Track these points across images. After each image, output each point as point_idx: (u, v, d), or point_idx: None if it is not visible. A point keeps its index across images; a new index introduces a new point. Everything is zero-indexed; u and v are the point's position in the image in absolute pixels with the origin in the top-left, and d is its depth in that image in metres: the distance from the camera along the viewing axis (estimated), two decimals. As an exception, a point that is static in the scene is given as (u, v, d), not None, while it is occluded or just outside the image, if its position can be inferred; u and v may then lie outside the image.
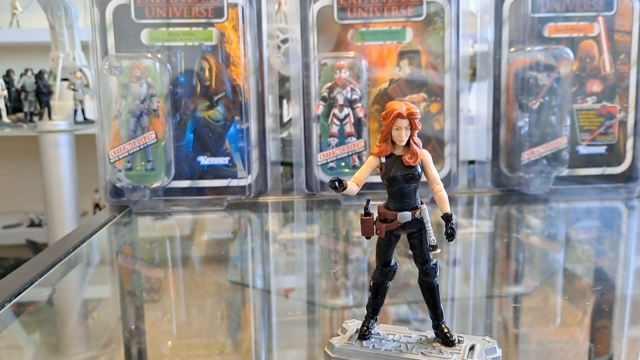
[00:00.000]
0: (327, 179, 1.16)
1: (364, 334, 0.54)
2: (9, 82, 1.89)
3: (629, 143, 1.24)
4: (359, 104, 1.17)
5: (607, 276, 0.83)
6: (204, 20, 1.16)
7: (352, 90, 1.17)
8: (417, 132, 0.52)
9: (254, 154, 1.21)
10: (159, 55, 1.16)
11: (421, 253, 0.53)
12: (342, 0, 1.18)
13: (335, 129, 1.17)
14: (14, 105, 1.89)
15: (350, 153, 1.17)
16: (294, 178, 1.28)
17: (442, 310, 0.54)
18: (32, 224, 2.53)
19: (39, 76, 1.80)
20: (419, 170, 0.52)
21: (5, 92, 1.82)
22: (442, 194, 0.52)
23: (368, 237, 0.54)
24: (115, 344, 0.64)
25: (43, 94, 1.79)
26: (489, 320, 0.67)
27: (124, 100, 1.13)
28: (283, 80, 1.38)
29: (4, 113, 1.81)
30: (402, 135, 0.51)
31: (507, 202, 1.22)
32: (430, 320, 0.54)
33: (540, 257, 0.93)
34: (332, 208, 1.18)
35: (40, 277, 0.78)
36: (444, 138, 1.21)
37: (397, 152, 0.52)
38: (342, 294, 0.77)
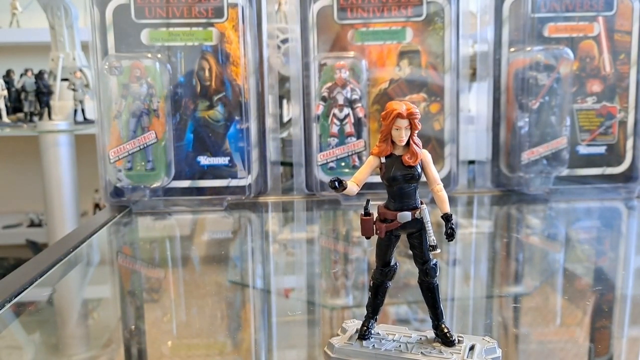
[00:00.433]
0: (327, 179, 1.16)
1: (364, 334, 0.54)
2: (9, 82, 1.89)
3: (629, 143, 1.24)
4: (359, 104, 1.17)
5: (607, 276, 0.83)
6: (204, 20, 1.16)
7: (352, 90, 1.17)
8: (417, 132, 0.52)
9: (254, 154, 1.21)
10: (159, 55, 1.16)
11: (421, 253, 0.53)
12: (342, 0, 1.18)
13: (335, 129, 1.17)
14: (14, 105, 1.89)
15: (350, 153, 1.17)
16: (294, 178, 1.28)
17: (442, 310, 0.54)
18: (32, 224, 2.53)
19: (39, 76, 1.80)
20: (419, 170, 0.52)
21: (5, 92, 1.82)
22: (442, 194, 0.52)
23: (368, 237, 0.54)
24: (115, 344, 0.64)
25: (43, 94, 1.79)
26: (489, 320, 0.67)
27: (124, 100, 1.13)
28: (283, 80, 1.38)
29: (4, 113, 1.81)
30: (402, 135, 0.51)
31: (507, 202, 1.22)
32: (430, 320, 0.54)
33: (540, 257, 0.93)
34: (332, 208, 1.18)
35: (40, 277, 0.78)
36: (444, 138, 1.21)
37: (397, 152, 0.52)
38: (342, 294, 0.77)
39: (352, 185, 0.52)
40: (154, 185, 1.16)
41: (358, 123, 1.17)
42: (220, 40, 1.17)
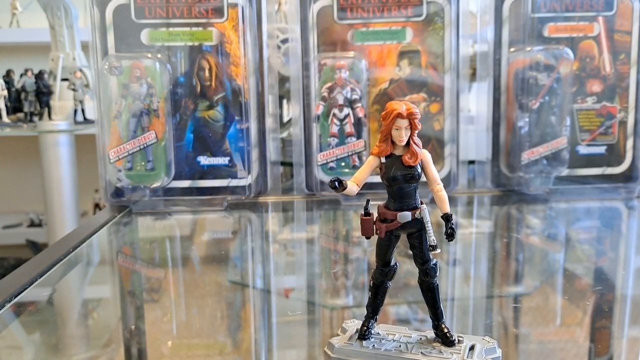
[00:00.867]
0: (327, 179, 1.16)
1: (364, 334, 0.54)
2: (9, 82, 1.89)
3: (629, 143, 1.24)
4: (359, 104, 1.17)
5: (607, 276, 0.83)
6: (204, 21, 1.16)
7: (352, 90, 1.17)
8: (417, 132, 0.52)
9: (254, 154, 1.21)
10: (159, 55, 1.16)
11: (421, 253, 0.53)
12: (342, 0, 1.18)
13: (335, 129, 1.17)
14: (14, 105, 1.89)
15: (350, 153, 1.17)
16: (294, 178, 1.28)
17: (442, 310, 0.54)
18: (32, 224, 2.53)
19: (39, 76, 1.80)
20: (419, 170, 0.52)
21: (5, 92, 1.82)
22: (442, 194, 0.52)
23: (368, 237, 0.54)
24: (115, 344, 0.64)
25: (43, 94, 1.79)
26: (489, 320, 0.67)
27: (124, 100, 1.13)
28: (283, 80, 1.38)
29: (4, 113, 1.81)
30: (402, 135, 0.51)
31: (507, 202, 1.22)
32: (430, 320, 0.54)
33: (540, 257, 0.93)
34: (332, 208, 1.18)
35: (40, 277, 0.78)
36: (444, 138, 1.21)
37: (397, 152, 0.52)
38: (342, 294, 0.77)
39: (352, 185, 0.52)
40: (154, 185, 1.16)
41: (358, 123, 1.17)
42: (220, 40, 1.17)
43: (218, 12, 1.16)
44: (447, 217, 0.52)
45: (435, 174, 0.53)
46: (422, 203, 0.53)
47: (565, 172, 1.21)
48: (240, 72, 1.17)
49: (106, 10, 1.15)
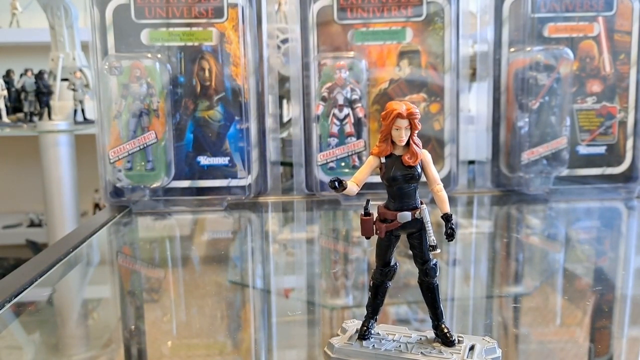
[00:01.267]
0: (327, 179, 1.16)
1: (363, 334, 0.54)
2: (9, 82, 1.89)
3: (629, 143, 1.24)
4: (359, 104, 1.17)
5: (607, 276, 0.83)
6: (204, 21, 1.16)
7: (352, 90, 1.17)
8: (417, 132, 0.52)
9: (254, 154, 1.21)
10: (159, 55, 1.16)
11: (421, 253, 0.53)
12: (342, 0, 1.18)
13: (335, 129, 1.17)
14: (14, 105, 1.89)
15: (350, 153, 1.17)
16: (294, 178, 1.28)
17: (442, 310, 0.54)
18: (32, 224, 2.53)
19: (39, 76, 1.80)
20: (419, 170, 0.52)
21: (5, 92, 1.82)
22: (442, 194, 0.52)
23: (368, 237, 0.54)
24: (115, 344, 0.64)
25: (43, 94, 1.79)
26: (489, 320, 0.67)
27: (124, 100, 1.13)
28: (283, 80, 1.38)
29: (4, 113, 1.81)
30: (402, 135, 0.51)
31: (507, 202, 1.22)
32: (430, 320, 0.54)
33: (540, 257, 0.93)
34: (332, 208, 1.18)
35: (40, 277, 0.78)
36: (444, 138, 1.21)
37: (397, 152, 0.52)
38: (342, 294, 0.77)
39: (352, 185, 0.52)
40: (154, 185, 1.16)
41: (358, 123, 1.17)
42: (220, 40, 1.17)
43: (218, 12, 1.16)
44: (447, 217, 0.52)
45: (435, 174, 0.53)
46: (422, 203, 0.53)
47: (565, 172, 1.21)
48: (240, 72, 1.17)
49: (106, 10, 1.15)
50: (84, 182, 1.94)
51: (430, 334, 0.54)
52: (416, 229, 0.53)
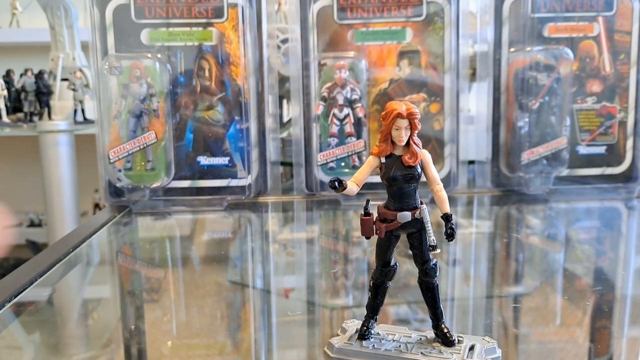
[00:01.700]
0: (327, 179, 1.16)
1: (363, 334, 0.54)
2: (9, 82, 1.89)
3: (629, 143, 1.24)
4: (359, 104, 1.17)
5: (607, 276, 0.83)
6: (203, 20, 1.16)
7: (352, 90, 1.17)
8: (417, 132, 0.52)
9: (254, 154, 1.21)
10: (159, 55, 1.16)
11: (421, 253, 0.53)
12: (342, 0, 1.18)
13: (335, 129, 1.17)
14: (14, 105, 1.90)
15: (350, 153, 1.17)
16: (294, 178, 1.28)
17: (442, 310, 0.54)
18: (32, 224, 2.53)
19: (39, 76, 1.80)
20: (419, 170, 0.52)
21: (5, 92, 1.83)
22: (442, 194, 0.52)
23: (368, 237, 0.54)
24: (115, 344, 0.64)
25: (43, 94, 1.79)
26: (489, 320, 0.67)
27: (124, 100, 1.13)
28: (283, 80, 1.38)
29: (4, 113, 1.81)
30: (402, 135, 0.51)
31: (507, 202, 1.22)
32: (430, 320, 0.54)
33: (540, 257, 0.93)
34: (332, 208, 1.18)
35: (40, 277, 0.78)
36: (444, 138, 1.21)
37: (397, 152, 0.52)
38: (342, 294, 0.77)
39: (352, 185, 0.52)
40: (154, 185, 1.16)
41: (358, 123, 1.17)
42: (220, 40, 1.17)
43: (218, 12, 1.16)
44: (447, 217, 0.52)
45: (435, 174, 0.53)
46: (422, 203, 0.53)
47: (565, 172, 1.21)
48: (240, 72, 1.17)
49: (106, 10, 1.15)
50: (84, 182, 1.94)
51: (430, 334, 0.54)
52: (416, 229, 0.53)
